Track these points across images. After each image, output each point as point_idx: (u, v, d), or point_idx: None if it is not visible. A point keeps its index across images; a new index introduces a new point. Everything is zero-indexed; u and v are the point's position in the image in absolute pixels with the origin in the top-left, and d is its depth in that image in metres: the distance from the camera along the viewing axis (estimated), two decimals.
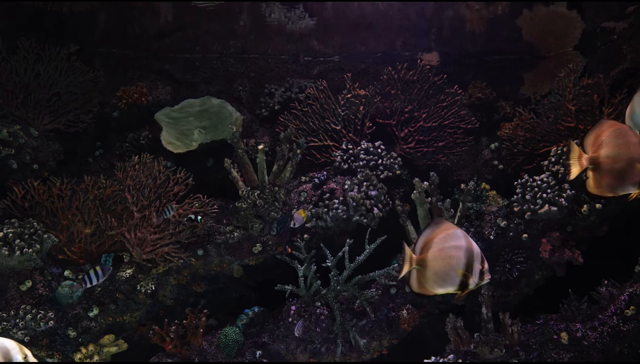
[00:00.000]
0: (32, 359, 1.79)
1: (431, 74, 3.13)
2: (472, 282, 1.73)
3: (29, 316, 2.42)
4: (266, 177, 2.70)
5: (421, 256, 1.79)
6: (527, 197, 2.53)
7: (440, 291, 1.79)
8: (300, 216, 2.57)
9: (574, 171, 1.92)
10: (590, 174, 1.89)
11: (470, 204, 2.70)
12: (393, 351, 2.65)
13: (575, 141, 2.21)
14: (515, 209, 2.59)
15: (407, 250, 1.82)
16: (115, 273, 2.65)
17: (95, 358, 2.56)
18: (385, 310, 2.62)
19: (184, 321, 2.62)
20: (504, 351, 2.32)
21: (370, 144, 2.99)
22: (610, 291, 2.38)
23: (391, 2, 3.28)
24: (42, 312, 2.46)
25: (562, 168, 2.53)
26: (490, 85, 3.44)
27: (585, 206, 2.44)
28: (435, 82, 3.14)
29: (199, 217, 2.57)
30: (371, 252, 2.50)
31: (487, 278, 1.75)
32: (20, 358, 1.76)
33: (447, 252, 1.74)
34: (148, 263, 2.61)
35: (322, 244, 2.57)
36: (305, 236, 2.73)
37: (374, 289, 2.56)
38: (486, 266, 1.75)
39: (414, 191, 2.50)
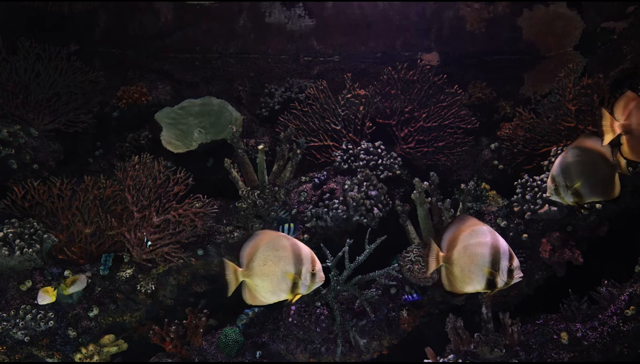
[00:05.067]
0: (320, 274, 1.76)
1: (431, 74, 3.13)
2: (501, 280, 1.67)
3: (29, 316, 2.42)
4: (266, 177, 2.70)
5: (447, 254, 1.74)
6: (527, 197, 2.53)
7: (469, 289, 1.74)
8: (46, 295, 2.40)
9: (607, 137, 1.92)
10: (624, 139, 1.91)
11: (470, 204, 2.70)
12: (393, 351, 2.65)
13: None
14: (515, 209, 2.59)
15: (435, 247, 1.76)
16: (115, 273, 2.65)
17: (95, 358, 2.56)
18: (385, 310, 2.62)
19: (184, 321, 2.62)
20: (504, 351, 2.32)
21: (370, 144, 2.99)
22: (610, 291, 2.38)
23: (391, 2, 3.28)
24: (42, 312, 2.46)
25: None
26: (490, 85, 3.44)
27: (585, 206, 2.44)
28: (435, 82, 3.14)
29: (148, 243, 2.51)
30: (371, 252, 2.50)
31: (517, 276, 1.68)
32: (307, 269, 1.74)
33: (471, 250, 1.69)
34: (148, 263, 2.61)
35: (322, 244, 2.57)
36: (305, 236, 2.73)
37: (374, 289, 2.56)
38: (516, 263, 1.68)
39: (414, 191, 2.50)
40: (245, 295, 1.81)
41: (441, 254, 1.76)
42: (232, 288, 1.79)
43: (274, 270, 1.75)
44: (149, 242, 2.48)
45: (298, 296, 1.79)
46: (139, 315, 2.74)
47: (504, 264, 1.67)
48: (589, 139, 1.96)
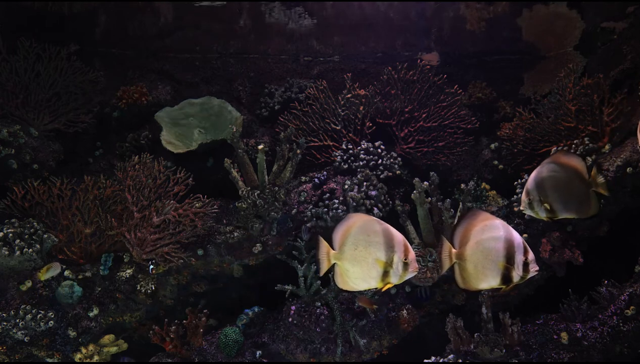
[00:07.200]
0: (413, 264, 1.67)
1: (431, 74, 3.13)
2: (516, 275, 1.64)
3: (29, 316, 2.42)
4: (266, 177, 2.70)
5: (460, 250, 1.70)
6: None
7: (484, 286, 1.69)
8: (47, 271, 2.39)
9: None
10: None
11: (470, 204, 2.69)
12: (393, 351, 2.65)
13: None
14: (515, 209, 2.59)
15: (447, 245, 1.71)
16: (115, 273, 2.65)
17: (95, 358, 2.56)
18: (385, 310, 2.62)
19: (184, 321, 2.62)
20: (504, 351, 2.32)
21: (370, 144, 2.99)
22: (610, 291, 2.38)
23: (391, 2, 3.28)
24: (42, 312, 2.46)
25: None
26: (490, 85, 3.44)
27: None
28: (435, 82, 3.14)
29: (151, 267, 2.50)
30: None
31: (533, 270, 1.64)
32: (399, 257, 1.66)
33: (484, 245, 1.65)
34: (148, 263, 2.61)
35: None
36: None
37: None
38: (531, 256, 1.64)
39: (414, 191, 2.50)
40: (337, 279, 1.74)
41: (454, 250, 1.71)
42: (324, 268, 1.72)
43: (365, 255, 1.67)
44: (152, 266, 2.48)
45: (389, 286, 1.70)
46: (139, 315, 2.74)
47: (519, 258, 1.63)
48: (565, 156, 1.95)
